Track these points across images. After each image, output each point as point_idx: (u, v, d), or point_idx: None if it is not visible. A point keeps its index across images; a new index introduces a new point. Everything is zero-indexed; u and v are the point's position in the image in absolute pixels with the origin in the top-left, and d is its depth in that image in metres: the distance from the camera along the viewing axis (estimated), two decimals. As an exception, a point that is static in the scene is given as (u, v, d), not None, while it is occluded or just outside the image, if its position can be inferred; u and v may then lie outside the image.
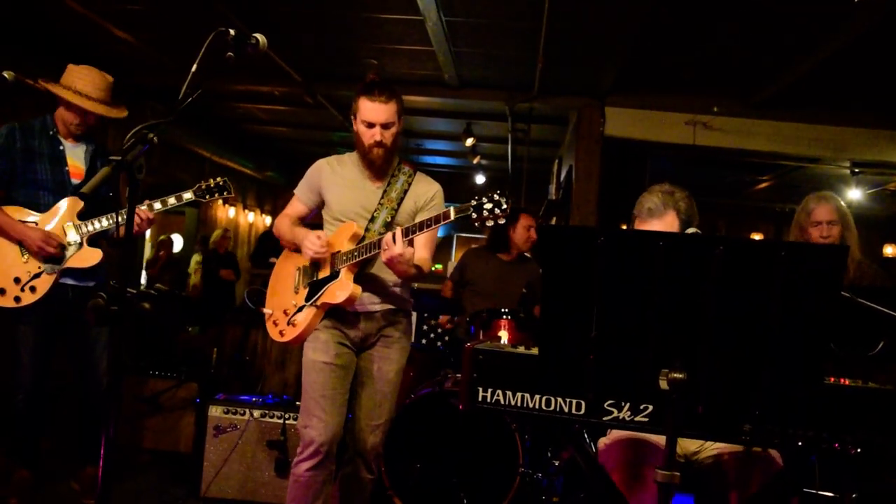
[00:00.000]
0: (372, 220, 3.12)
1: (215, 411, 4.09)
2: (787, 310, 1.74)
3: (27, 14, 6.11)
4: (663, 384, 1.80)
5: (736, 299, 1.77)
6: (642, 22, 5.11)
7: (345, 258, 3.04)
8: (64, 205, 3.62)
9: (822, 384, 1.88)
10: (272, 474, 4.01)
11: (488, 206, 2.72)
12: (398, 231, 2.81)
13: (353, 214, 3.13)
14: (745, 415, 1.88)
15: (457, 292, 5.27)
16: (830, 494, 2.83)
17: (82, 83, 3.66)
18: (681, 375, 1.79)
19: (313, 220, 3.39)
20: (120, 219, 3.49)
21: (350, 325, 3.14)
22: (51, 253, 3.50)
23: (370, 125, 3.05)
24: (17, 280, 3.50)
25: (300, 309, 3.15)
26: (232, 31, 2.39)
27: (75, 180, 3.70)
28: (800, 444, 1.90)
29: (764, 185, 10.32)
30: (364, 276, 3.10)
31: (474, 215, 2.73)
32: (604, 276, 1.82)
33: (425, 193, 3.19)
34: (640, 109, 7.05)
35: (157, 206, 3.57)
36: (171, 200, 3.61)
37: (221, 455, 4.04)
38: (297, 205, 3.33)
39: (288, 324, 3.18)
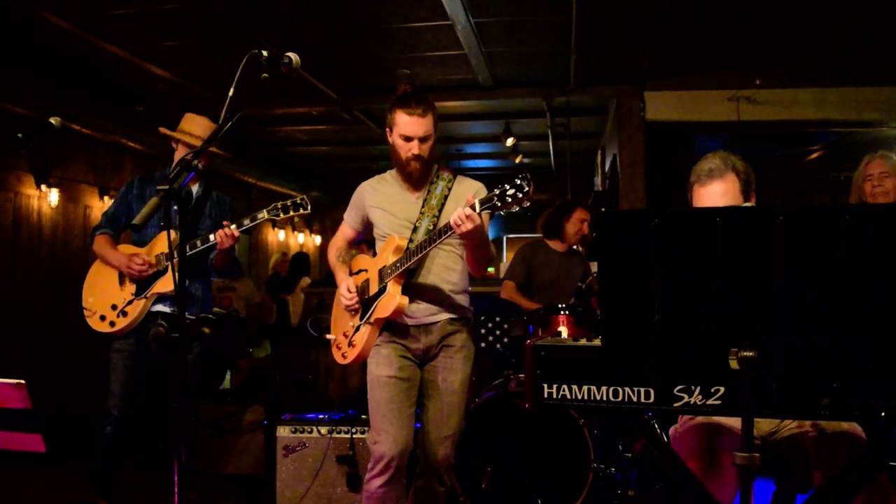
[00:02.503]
0: (414, 230, 3.12)
1: (283, 431, 4.12)
2: (857, 275, 1.67)
3: (73, 60, 6.29)
4: (733, 364, 1.74)
5: (802, 269, 1.71)
6: (673, 0, 5.02)
7: (389, 271, 3.05)
8: (161, 237, 3.82)
9: (901, 350, 1.80)
10: (344, 489, 4.02)
11: (511, 191, 2.66)
12: (468, 209, 2.73)
13: (397, 228, 3.15)
14: (822, 389, 1.81)
15: (522, 290, 5.13)
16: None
17: (190, 127, 3.89)
18: (751, 353, 1.73)
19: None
20: (199, 242, 3.64)
21: (410, 338, 3.14)
22: (139, 269, 3.71)
23: (408, 139, 3.05)
24: (113, 307, 3.76)
25: (357, 329, 3.18)
26: (265, 53, 2.42)
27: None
28: (882, 414, 1.82)
29: (815, 154, 10.05)
30: (414, 287, 3.10)
31: (499, 203, 2.68)
32: (661, 257, 1.78)
33: (466, 192, 3.14)
34: (680, 90, 6.94)
35: (246, 221, 3.63)
36: (246, 221, 3.64)
37: (292, 474, 4.06)
38: (345, 229, 3.40)
39: (349, 345, 3.21)
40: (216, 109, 2.28)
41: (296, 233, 13.11)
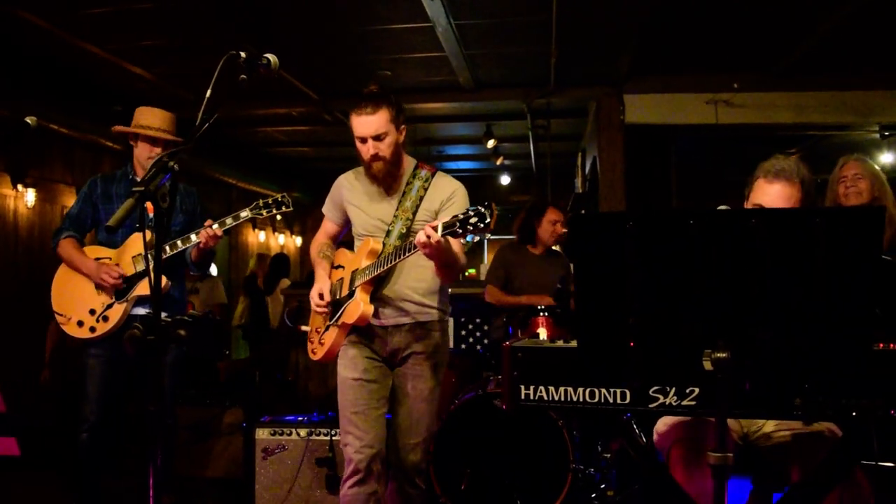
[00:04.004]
0: (388, 234, 3.06)
1: (262, 434, 4.11)
2: (828, 277, 1.69)
3: (50, 59, 6.24)
4: (707, 365, 1.77)
5: (774, 271, 1.73)
6: (653, 3, 5.05)
7: (360, 276, 3.01)
8: (134, 239, 3.71)
9: (872, 350, 1.83)
10: (324, 492, 4.01)
11: (473, 219, 2.57)
12: (428, 229, 2.64)
13: (372, 228, 3.10)
14: (795, 389, 1.84)
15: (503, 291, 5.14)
16: (892, 465, 2.76)
17: (148, 120, 3.77)
18: (724, 354, 1.75)
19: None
20: (180, 242, 3.58)
21: (377, 340, 3.10)
22: (113, 283, 3.60)
23: (362, 140, 2.97)
24: (92, 312, 3.64)
25: (326, 329, 3.16)
26: (243, 54, 2.41)
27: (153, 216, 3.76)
28: (854, 413, 1.85)
29: (793, 157, 10.14)
30: (383, 290, 3.05)
31: (460, 230, 2.59)
32: (636, 260, 1.79)
33: (442, 194, 3.07)
34: (659, 93, 6.98)
35: (229, 220, 3.59)
36: (228, 220, 3.59)
37: (272, 477, 4.05)
38: (328, 224, 3.34)
39: (319, 343, 3.19)
40: (196, 110, 2.26)
41: (276, 234, 13.06)
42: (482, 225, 2.56)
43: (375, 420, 3.03)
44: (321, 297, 3.12)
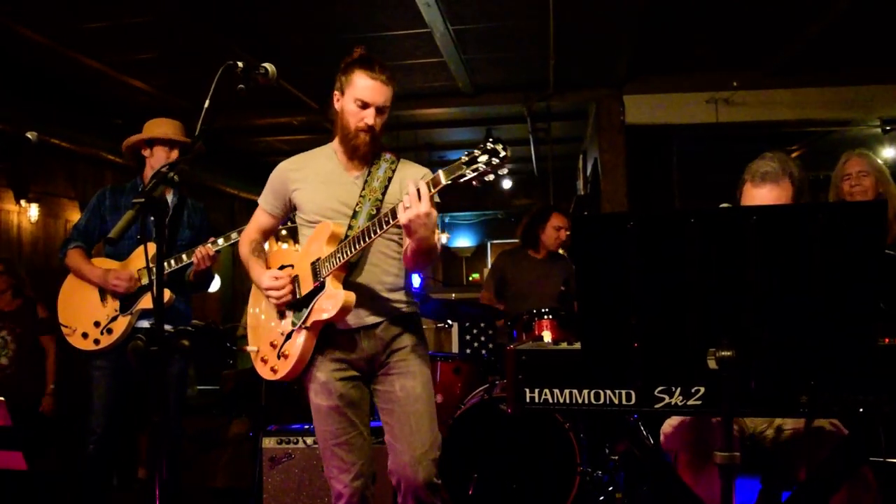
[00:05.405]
0: (354, 215, 2.68)
1: (269, 443, 4.10)
2: (832, 273, 1.69)
3: (50, 73, 6.26)
4: (712, 364, 1.76)
5: (777, 268, 1.73)
6: (650, 3, 5.06)
7: (327, 264, 2.60)
8: (140, 252, 3.70)
9: (877, 346, 1.83)
10: (332, 500, 4.00)
11: (483, 157, 2.26)
12: (422, 184, 2.33)
13: (330, 212, 2.71)
14: (801, 386, 1.83)
15: (497, 297, 5.21)
16: (900, 460, 2.74)
17: (161, 128, 3.78)
18: (729, 353, 1.74)
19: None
20: (185, 256, 3.58)
21: (350, 348, 2.70)
22: (123, 287, 3.59)
23: (365, 105, 2.65)
24: (96, 324, 3.65)
25: (289, 336, 2.73)
26: (240, 64, 2.41)
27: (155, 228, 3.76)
28: (860, 410, 1.84)
29: (794, 154, 10.14)
30: (353, 284, 2.66)
31: (469, 174, 2.27)
32: (638, 260, 1.79)
33: (413, 176, 2.66)
34: (659, 94, 6.99)
35: (221, 241, 3.58)
36: (234, 235, 3.58)
37: (279, 486, 4.04)
38: (262, 216, 2.92)
39: (279, 357, 2.75)
40: (196, 121, 2.27)
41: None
42: (497, 160, 2.26)
43: (361, 446, 2.71)
44: (276, 278, 2.72)
